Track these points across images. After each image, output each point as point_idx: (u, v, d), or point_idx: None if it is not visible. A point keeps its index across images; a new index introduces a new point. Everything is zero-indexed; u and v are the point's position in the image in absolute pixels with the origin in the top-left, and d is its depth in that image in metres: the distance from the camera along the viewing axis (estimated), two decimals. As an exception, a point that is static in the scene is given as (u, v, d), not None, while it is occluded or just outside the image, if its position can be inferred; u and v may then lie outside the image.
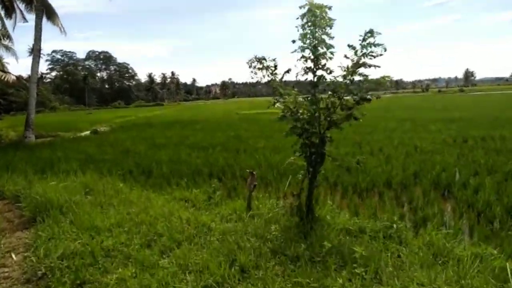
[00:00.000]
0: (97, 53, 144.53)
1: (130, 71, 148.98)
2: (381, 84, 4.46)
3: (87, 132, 24.38)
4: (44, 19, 24.07)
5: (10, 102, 64.60)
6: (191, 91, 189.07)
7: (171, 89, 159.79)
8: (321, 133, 4.66)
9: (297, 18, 4.41)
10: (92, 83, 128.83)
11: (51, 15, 25.29)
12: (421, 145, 12.06)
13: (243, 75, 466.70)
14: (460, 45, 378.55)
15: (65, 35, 26.60)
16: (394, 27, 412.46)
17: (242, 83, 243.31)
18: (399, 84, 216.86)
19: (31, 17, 25.59)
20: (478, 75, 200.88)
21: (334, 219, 5.22)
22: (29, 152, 14.07)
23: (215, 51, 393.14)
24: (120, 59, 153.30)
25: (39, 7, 22.61)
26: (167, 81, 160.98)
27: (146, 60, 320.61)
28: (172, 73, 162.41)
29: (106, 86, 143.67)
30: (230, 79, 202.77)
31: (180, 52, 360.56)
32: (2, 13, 24.33)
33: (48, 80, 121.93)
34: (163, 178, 8.95)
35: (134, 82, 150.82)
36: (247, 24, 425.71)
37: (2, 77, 22.90)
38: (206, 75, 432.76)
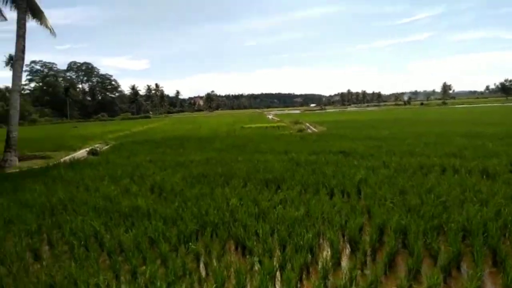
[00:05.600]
0: (78, 64, 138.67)
1: (113, 82, 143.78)
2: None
3: (83, 152, 19.55)
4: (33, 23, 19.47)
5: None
6: (175, 103, 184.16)
7: (155, 101, 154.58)
8: None
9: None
10: (74, 95, 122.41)
11: (37, 12, 20.34)
12: None
13: (225, 87, 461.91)
14: (434, 60, 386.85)
15: (55, 36, 21.62)
16: (369, 43, 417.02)
17: (225, 96, 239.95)
18: (380, 97, 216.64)
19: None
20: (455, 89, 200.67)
21: None
22: (11, 193, 9.29)
23: (196, 64, 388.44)
24: (102, 71, 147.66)
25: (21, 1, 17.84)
26: (151, 93, 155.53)
27: (127, 73, 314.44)
28: (156, 85, 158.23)
29: (88, 98, 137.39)
30: (212, 91, 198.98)
31: (160, 64, 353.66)
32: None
33: (27, 91, 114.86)
34: None
35: (117, 94, 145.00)
36: (224, 37, 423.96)
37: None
38: (188, 88, 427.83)
